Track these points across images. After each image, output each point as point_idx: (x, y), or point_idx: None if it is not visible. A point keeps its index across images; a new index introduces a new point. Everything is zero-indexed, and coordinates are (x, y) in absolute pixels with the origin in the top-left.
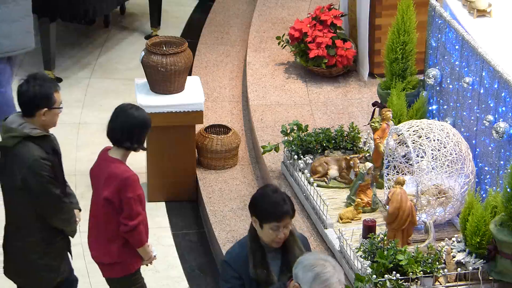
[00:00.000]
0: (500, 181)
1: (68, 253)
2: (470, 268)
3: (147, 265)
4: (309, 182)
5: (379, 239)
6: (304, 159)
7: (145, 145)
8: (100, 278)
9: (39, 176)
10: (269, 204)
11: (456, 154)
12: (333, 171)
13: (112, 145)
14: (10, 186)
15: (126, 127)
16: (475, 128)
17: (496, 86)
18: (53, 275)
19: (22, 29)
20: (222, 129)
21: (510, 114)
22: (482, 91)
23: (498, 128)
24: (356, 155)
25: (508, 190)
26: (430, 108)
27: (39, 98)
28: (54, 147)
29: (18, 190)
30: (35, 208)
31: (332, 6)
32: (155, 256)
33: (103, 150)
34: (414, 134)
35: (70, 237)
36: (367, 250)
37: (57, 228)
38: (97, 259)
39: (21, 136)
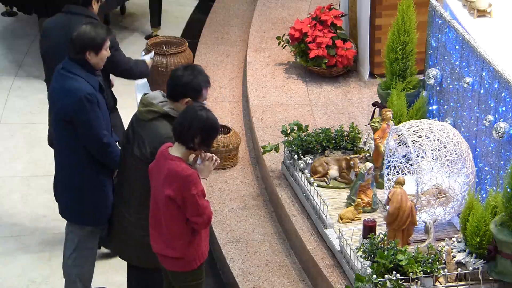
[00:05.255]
0: (500, 181)
1: None
2: (470, 268)
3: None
4: (309, 182)
5: (379, 239)
6: (304, 159)
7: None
8: (100, 276)
9: None
10: None
11: (456, 154)
12: (333, 171)
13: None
14: (133, 155)
15: (193, 127)
16: (475, 128)
17: (496, 86)
18: None
19: None
20: (222, 129)
21: (510, 114)
22: (482, 91)
23: (498, 128)
24: (356, 155)
25: (508, 190)
26: (430, 108)
27: (189, 88)
28: None
29: (142, 161)
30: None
31: (332, 6)
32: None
33: (164, 146)
34: (414, 134)
35: None
36: (367, 250)
37: None
38: (160, 251)
39: (160, 113)
